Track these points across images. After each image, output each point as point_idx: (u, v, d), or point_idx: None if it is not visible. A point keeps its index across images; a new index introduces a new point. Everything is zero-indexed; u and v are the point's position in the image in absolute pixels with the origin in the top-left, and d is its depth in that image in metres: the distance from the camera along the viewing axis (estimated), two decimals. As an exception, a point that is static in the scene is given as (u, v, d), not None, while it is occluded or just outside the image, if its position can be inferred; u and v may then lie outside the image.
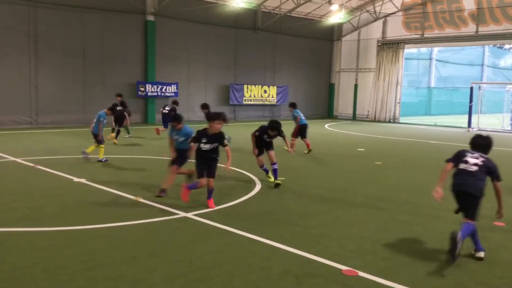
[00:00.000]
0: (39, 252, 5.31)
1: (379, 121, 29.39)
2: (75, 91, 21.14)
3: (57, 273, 4.73)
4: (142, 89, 22.73)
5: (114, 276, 4.69)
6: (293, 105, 14.91)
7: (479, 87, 27.13)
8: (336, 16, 28.75)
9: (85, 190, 8.53)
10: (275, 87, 28.77)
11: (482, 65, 45.67)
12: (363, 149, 15.52)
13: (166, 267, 4.95)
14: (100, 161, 11.54)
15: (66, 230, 6.13)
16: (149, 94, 23.01)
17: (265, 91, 28.32)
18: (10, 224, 6.31)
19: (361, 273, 4.90)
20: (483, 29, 25.53)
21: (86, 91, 21.44)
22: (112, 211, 7.12)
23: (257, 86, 27.88)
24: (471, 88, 25.60)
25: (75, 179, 9.31)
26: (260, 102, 28.26)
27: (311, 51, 30.94)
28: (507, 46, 47.97)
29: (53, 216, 6.79)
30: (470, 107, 25.31)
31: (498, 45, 44.88)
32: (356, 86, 31.49)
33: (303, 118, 14.46)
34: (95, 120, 11.74)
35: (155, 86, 23.26)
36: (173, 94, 23.94)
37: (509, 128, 25.80)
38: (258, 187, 9.08)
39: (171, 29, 23.89)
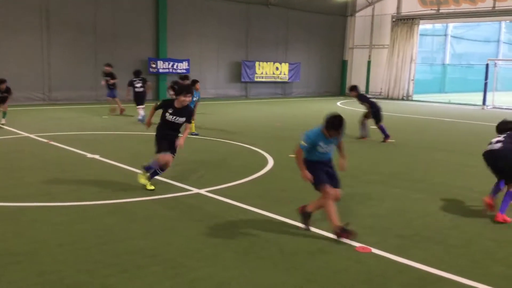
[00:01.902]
0: (56, 227, 5.38)
1: (392, 99, 29.06)
2: (87, 68, 21.13)
3: (74, 247, 4.80)
4: (154, 65, 22.66)
5: (130, 250, 4.75)
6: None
7: (495, 64, 26.62)
8: (349, -9, 28.22)
9: (98, 166, 8.60)
10: (287, 64, 28.48)
11: (498, 41, 44.70)
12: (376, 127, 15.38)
13: (181, 242, 5.00)
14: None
15: (81, 205, 6.20)
16: (161, 70, 22.94)
17: (277, 68, 28.05)
18: (27, 199, 6.40)
19: (374, 250, 4.91)
20: (500, 5, 24.90)
21: (98, 68, 21.36)
22: (126, 187, 7.17)
23: (269, 63, 27.61)
24: (487, 65, 25.12)
25: (89, 155, 9.37)
26: (272, 79, 28.03)
27: (324, 27, 30.49)
28: (524, 22, 46.91)
29: (68, 191, 6.86)
30: (485, 84, 24.87)
31: (516, 21, 43.88)
32: (369, 63, 31.08)
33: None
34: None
35: (167, 63, 23.16)
36: (184, 71, 23.80)
37: (525, 106, 25.38)
38: (270, 164, 9.07)
39: (182, 5, 23.64)
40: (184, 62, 23.84)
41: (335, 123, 5.16)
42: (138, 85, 15.23)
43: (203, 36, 24.82)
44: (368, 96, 13.61)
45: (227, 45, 25.93)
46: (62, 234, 5.15)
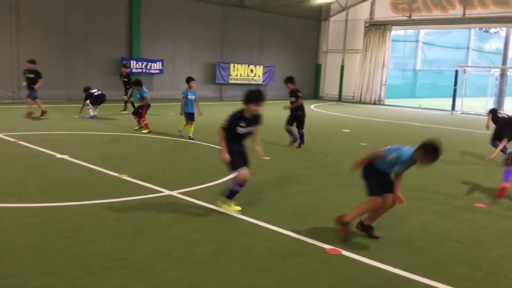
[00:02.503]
0: (22, 228, 5.25)
1: (364, 103, 29.49)
2: (58, 66, 20.73)
3: (40, 249, 4.70)
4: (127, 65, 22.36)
5: (98, 252, 4.67)
6: (139, 83, 13.33)
7: (464, 70, 27.31)
8: (324, -5, 28.50)
9: (68, 166, 8.44)
10: (261, 66, 28.59)
11: (468, 48, 45.89)
12: (348, 130, 15.60)
13: (151, 245, 4.95)
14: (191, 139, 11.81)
15: (49, 206, 6.07)
16: (134, 70, 22.66)
17: (251, 71, 28.12)
18: (-8, 200, 6.23)
19: (344, 252, 4.96)
20: (470, 12, 25.56)
21: (69, 66, 21.05)
22: (96, 188, 7.06)
23: (243, 65, 27.66)
24: (456, 71, 25.76)
25: (58, 155, 9.19)
26: (246, 82, 28.06)
27: (299, 30, 30.72)
28: (492, 30, 48.19)
29: (36, 192, 6.71)
30: (455, 90, 25.50)
31: (484, 29, 45.08)
32: (342, 67, 31.44)
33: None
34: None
35: (140, 63, 22.92)
36: (158, 71, 23.67)
37: (492, 112, 26.05)
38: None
39: (157, 5, 23.47)
40: (158, 63, 23.65)
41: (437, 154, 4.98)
42: (95, 89, 15.79)
43: (177, 37, 24.68)
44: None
45: (202, 46, 25.85)
46: (29, 235, 5.03)
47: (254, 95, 5.86)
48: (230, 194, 6.14)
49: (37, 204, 6.13)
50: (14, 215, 5.73)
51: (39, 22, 19.94)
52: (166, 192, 6.93)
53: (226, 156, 5.91)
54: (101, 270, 4.29)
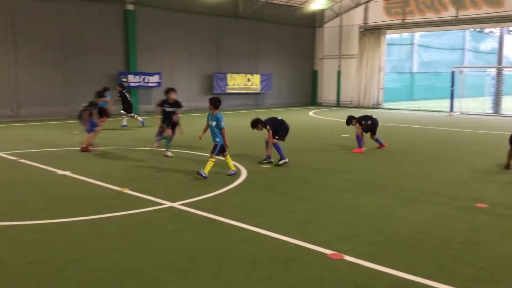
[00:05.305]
0: (25, 246, 5.26)
1: (362, 107, 29.54)
2: (56, 83, 20.83)
3: (44, 266, 4.71)
4: (125, 79, 22.48)
5: (102, 267, 4.69)
6: None
7: (460, 71, 27.40)
8: (317, 2, 28.67)
9: (69, 182, 8.46)
10: (258, 75, 28.69)
11: (463, 49, 46.06)
12: (348, 135, 15.61)
13: (153, 257, 4.96)
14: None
15: (51, 223, 6.08)
16: (132, 84, 22.78)
17: (248, 80, 28.23)
18: (-6, 219, 6.24)
19: (346, 257, 4.96)
20: (463, 13, 25.71)
21: (68, 83, 21.13)
22: (98, 203, 7.08)
23: (240, 74, 27.78)
24: (453, 73, 25.85)
25: (59, 172, 9.22)
26: (244, 91, 28.18)
27: (294, 38, 30.88)
28: (487, 30, 48.38)
29: (38, 209, 6.72)
30: (452, 91, 25.58)
31: (479, 29, 45.28)
32: (339, 72, 31.57)
33: None
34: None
35: (138, 76, 23.02)
36: (156, 84, 23.76)
37: (490, 111, 26.16)
38: (244, 175, 9.10)
39: (151, 18, 23.61)
40: (155, 76, 23.75)
41: None
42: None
43: (173, 49, 24.82)
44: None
45: (198, 57, 25.97)
46: (32, 253, 5.04)
47: None
48: None
49: (39, 221, 6.14)
50: (16, 233, 5.74)
51: (35, 40, 20.05)
52: (168, 204, 6.95)
53: None
54: (105, 284, 4.30)
